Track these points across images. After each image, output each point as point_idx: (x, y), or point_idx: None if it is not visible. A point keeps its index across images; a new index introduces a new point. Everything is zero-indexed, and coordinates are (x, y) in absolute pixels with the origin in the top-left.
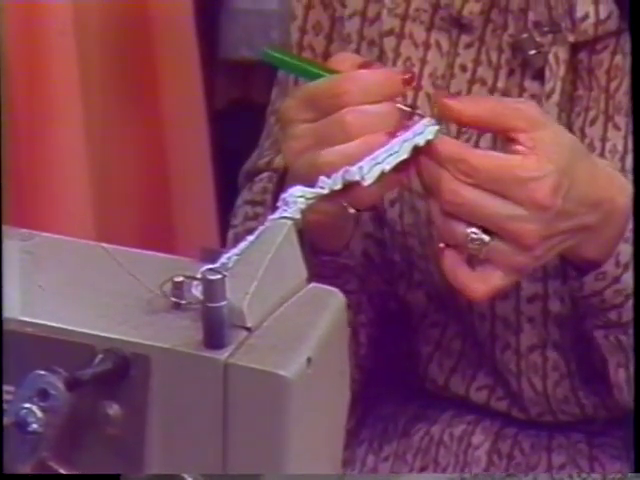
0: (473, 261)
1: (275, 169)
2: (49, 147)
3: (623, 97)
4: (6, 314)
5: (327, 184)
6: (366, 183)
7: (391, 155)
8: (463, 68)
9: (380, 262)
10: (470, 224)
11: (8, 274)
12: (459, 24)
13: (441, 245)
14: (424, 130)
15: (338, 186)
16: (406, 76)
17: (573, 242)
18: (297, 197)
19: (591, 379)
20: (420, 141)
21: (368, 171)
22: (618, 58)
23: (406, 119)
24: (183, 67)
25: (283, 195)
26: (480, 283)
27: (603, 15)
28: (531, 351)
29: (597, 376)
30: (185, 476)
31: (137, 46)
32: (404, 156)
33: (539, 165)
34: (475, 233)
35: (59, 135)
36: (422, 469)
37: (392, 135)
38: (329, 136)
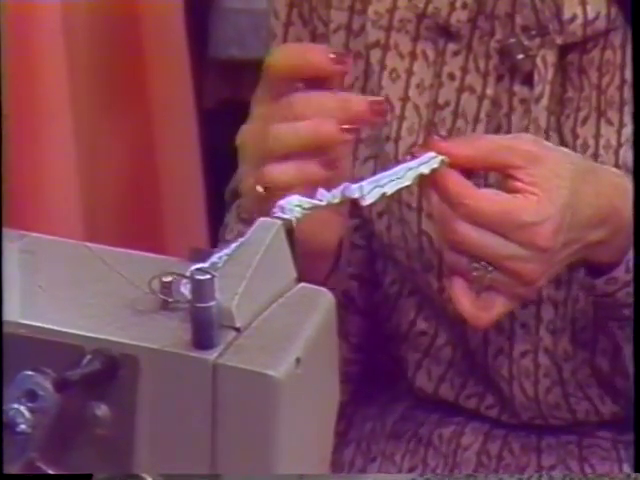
0: (477, 288)
1: None
2: (38, 148)
3: (615, 92)
4: (6, 317)
5: (325, 197)
6: (365, 202)
7: (393, 180)
8: (451, 76)
9: (362, 304)
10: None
11: (5, 276)
12: (446, 32)
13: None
14: (429, 160)
15: (337, 200)
16: (375, 106)
17: (582, 254)
18: (294, 205)
19: (583, 386)
20: (425, 170)
21: (369, 191)
22: (608, 53)
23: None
24: (173, 66)
25: (280, 202)
26: (483, 311)
27: (591, 15)
28: (523, 356)
29: (590, 382)
30: (144, 476)
31: (126, 45)
32: (407, 183)
33: (539, 208)
34: (478, 263)
35: (48, 135)
36: (411, 470)
37: (344, 128)
38: (278, 115)
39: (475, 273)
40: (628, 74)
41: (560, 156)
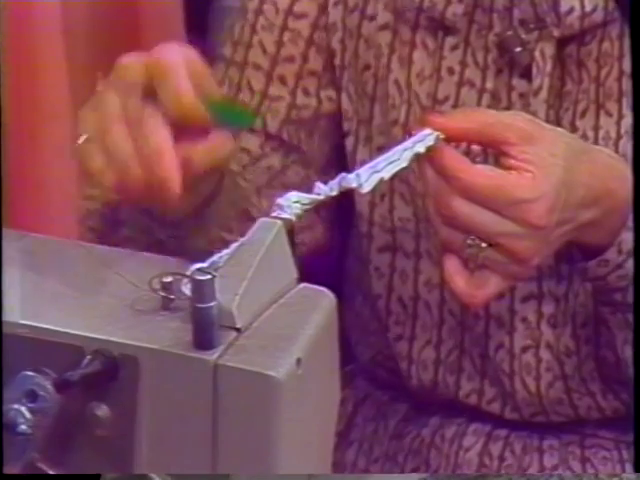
0: (471, 266)
1: None
2: (38, 148)
3: (613, 83)
4: (6, 317)
5: (323, 190)
6: (364, 190)
7: (391, 163)
8: (450, 71)
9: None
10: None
11: (5, 276)
12: (443, 26)
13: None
14: (424, 138)
15: (334, 192)
16: None
17: (574, 235)
18: (293, 202)
19: (586, 380)
20: (420, 149)
21: (366, 179)
22: (606, 45)
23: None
24: None
25: (278, 200)
26: (478, 289)
27: (589, 8)
28: (524, 351)
29: (593, 377)
30: (153, 476)
31: (126, 45)
32: (404, 164)
33: (534, 185)
34: (472, 239)
35: (48, 135)
36: (413, 470)
37: None
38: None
39: (468, 250)
40: (626, 65)
41: (555, 135)
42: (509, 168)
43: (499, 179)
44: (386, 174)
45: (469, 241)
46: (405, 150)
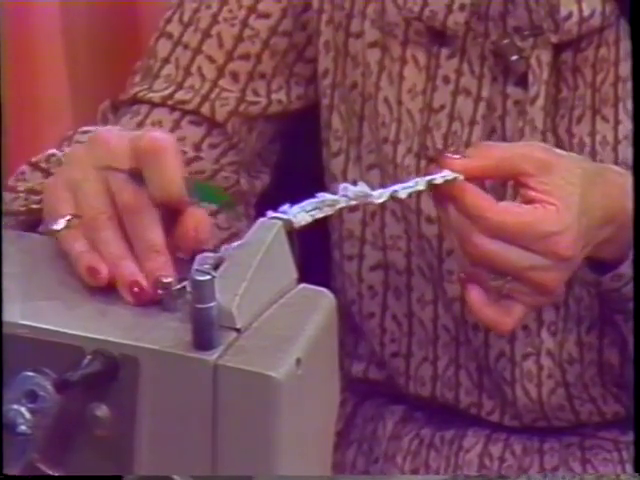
0: (495, 296)
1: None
2: (38, 148)
3: (609, 88)
4: (6, 317)
5: (328, 199)
6: (378, 201)
7: (406, 188)
8: (446, 80)
9: None
10: None
11: (5, 276)
12: (439, 36)
13: (462, 275)
14: (444, 175)
15: (353, 202)
16: None
17: (591, 253)
18: (299, 209)
19: (588, 386)
20: (438, 180)
21: (379, 195)
22: (603, 50)
23: None
24: None
25: (282, 207)
26: (506, 317)
27: (587, 13)
28: (525, 359)
29: (595, 382)
30: (175, 477)
31: (126, 45)
32: (420, 188)
33: (559, 217)
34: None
35: (48, 135)
36: (413, 472)
37: None
38: None
39: (494, 283)
40: (622, 70)
41: (570, 162)
42: (529, 200)
43: (527, 215)
44: (401, 190)
45: (493, 275)
46: (421, 180)
